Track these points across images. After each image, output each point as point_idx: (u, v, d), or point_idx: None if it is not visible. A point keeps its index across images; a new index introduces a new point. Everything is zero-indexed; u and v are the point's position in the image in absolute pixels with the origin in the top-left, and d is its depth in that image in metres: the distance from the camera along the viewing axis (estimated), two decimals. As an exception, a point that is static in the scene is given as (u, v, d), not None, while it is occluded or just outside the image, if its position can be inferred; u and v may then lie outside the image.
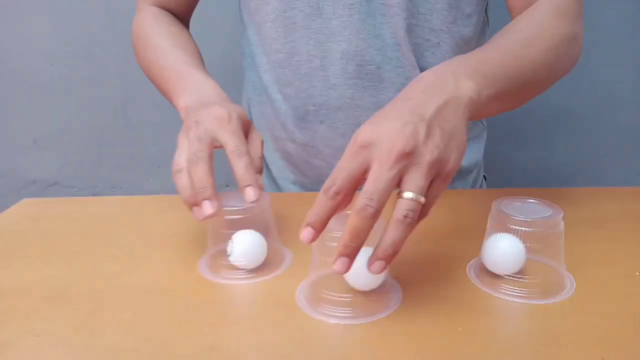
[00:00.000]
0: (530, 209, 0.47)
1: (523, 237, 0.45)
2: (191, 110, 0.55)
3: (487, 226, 0.48)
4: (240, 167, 0.48)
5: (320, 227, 0.41)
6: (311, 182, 0.77)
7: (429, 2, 0.65)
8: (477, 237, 0.50)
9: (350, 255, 0.40)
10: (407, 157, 0.40)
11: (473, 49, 0.74)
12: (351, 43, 0.66)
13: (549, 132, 1.27)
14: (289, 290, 0.47)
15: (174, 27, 0.73)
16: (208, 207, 0.47)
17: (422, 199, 0.40)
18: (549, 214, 0.46)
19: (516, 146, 1.28)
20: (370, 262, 0.40)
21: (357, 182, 0.41)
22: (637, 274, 0.49)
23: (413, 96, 0.45)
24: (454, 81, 0.46)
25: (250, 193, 0.48)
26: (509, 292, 0.45)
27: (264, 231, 0.51)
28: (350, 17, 0.65)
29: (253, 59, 0.74)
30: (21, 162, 1.28)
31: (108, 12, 1.17)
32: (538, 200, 0.48)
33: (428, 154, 0.40)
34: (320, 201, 0.41)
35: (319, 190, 0.42)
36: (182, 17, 0.78)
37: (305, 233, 0.41)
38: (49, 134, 1.26)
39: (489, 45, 0.56)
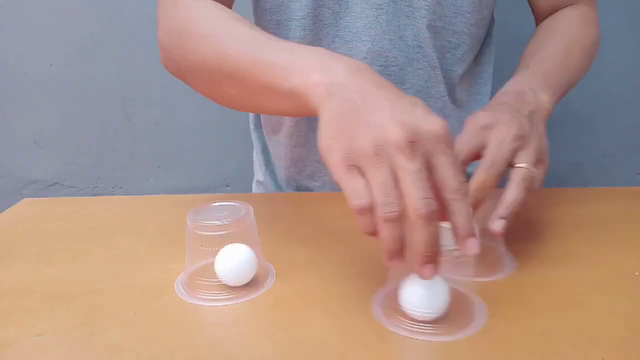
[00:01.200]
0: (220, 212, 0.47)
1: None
2: (359, 90, 0.41)
3: None
4: (463, 214, 0.38)
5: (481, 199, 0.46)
6: (320, 186, 0.77)
7: (455, 5, 0.66)
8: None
9: (475, 207, 0.45)
10: (521, 140, 0.47)
11: (482, 48, 0.75)
12: (376, 43, 0.66)
13: (549, 133, 1.26)
14: (289, 290, 0.47)
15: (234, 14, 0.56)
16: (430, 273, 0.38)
17: (534, 171, 0.47)
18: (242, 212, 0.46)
19: (516, 146, 1.27)
20: (492, 220, 0.44)
21: (473, 157, 0.47)
22: (637, 274, 0.49)
23: (507, 101, 0.52)
24: (534, 95, 0.54)
25: (473, 245, 0.38)
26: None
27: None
28: (377, 18, 0.65)
29: None
30: (21, 162, 1.28)
31: (108, 13, 1.17)
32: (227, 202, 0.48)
33: (534, 140, 0.48)
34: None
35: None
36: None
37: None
38: (49, 134, 1.26)
39: (540, 56, 0.62)
